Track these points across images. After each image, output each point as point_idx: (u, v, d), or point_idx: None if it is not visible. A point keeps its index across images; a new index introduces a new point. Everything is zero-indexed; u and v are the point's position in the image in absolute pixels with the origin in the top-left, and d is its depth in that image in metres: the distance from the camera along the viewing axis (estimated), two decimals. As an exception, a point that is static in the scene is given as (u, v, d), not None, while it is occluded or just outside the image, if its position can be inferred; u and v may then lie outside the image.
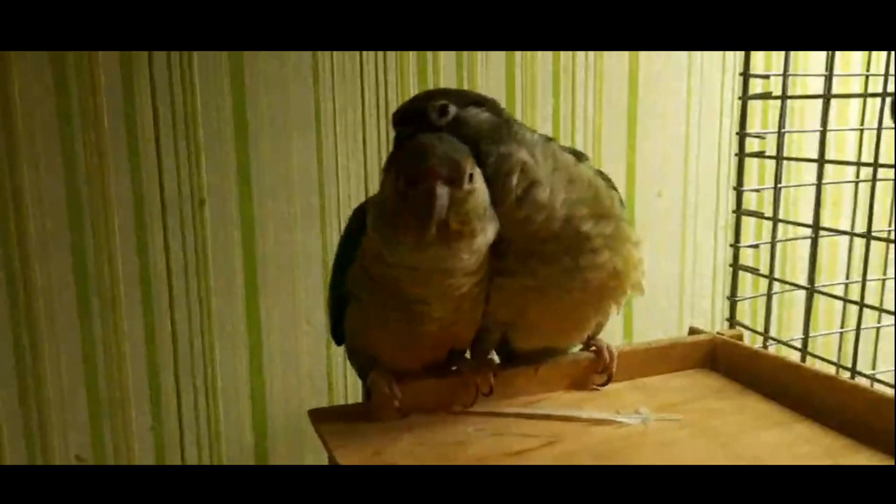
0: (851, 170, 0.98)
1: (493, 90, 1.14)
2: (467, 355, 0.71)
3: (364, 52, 1.07)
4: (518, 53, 1.15)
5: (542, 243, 0.63)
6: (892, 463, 0.59)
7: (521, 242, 0.63)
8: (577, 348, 0.75)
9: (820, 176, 0.74)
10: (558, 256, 0.63)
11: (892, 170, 0.65)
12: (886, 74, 0.68)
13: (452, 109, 0.62)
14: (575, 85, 1.19)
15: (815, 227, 0.76)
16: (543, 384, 0.72)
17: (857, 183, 0.66)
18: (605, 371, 0.73)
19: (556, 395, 0.72)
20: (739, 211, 0.81)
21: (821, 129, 0.73)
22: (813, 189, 0.78)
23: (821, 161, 0.73)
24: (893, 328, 0.74)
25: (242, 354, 1.08)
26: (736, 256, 0.82)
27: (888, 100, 0.72)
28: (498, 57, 1.15)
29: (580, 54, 1.19)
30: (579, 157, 0.68)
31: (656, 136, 1.25)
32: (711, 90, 1.26)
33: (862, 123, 0.64)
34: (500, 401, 0.70)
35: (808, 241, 0.78)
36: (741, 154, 0.80)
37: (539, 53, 1.16)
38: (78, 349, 1.00)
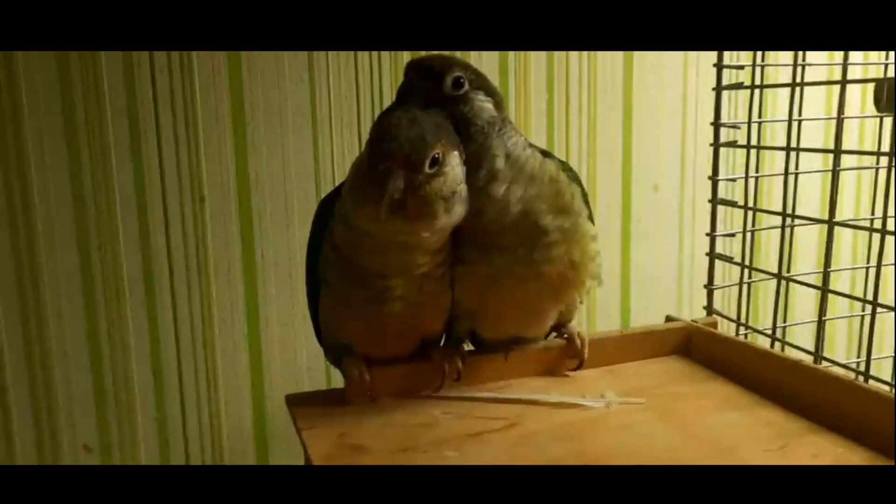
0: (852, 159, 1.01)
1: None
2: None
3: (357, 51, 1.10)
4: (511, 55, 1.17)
5: (498, 235, 0.65)
6: (849, 446, 0.60)
7: (476, 233, 0.65)
8: (550, 337, 0.77)
9: (787, 165, 0.75)
10: (513, 248, 0.65)
11: (855, 157, 0.66)
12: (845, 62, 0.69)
13: (465, 86, 0.64)
14: (569, 79, 1.21)
15: (784, 214, 0.77)
16: (514, 371, 0.74)
17: (834, 172, 0.67)
18: (577, 356, 0.75)
19: (526, 380, 0.74)
20: (715, 200, 0.82)
21: (788, 118, 0.74)
22: (791, 177, 0.79)
23: (788, 149, 0.74)
24: (869, 317, 0.74)
25: (242, 346, 1.11)
26: (712, 245, 0.83)
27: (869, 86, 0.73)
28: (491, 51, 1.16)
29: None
30: (546, 154, 0.69)
31: (652, 129, 1.26)
32: (707, 83, 1.27)
33: (840, 112, 0.65)
34: (471, 386, 0.72)
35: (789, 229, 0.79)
36: (716, 144, 0.81)
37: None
38: (84, 342, 1.04)
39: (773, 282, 0.81)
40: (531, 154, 0.66)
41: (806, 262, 1.35)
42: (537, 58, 1.19)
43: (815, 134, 1.26)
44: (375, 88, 1.12)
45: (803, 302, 1.20)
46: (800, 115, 0.78)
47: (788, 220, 0.77)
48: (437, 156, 0.59)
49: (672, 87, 1.26)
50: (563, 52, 1.19)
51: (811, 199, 1.32)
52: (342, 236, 0.65)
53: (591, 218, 0.70)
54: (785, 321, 0.81)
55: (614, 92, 1.24)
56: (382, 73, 1.12)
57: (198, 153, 1.05)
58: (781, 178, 0.76)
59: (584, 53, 1.21)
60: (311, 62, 1.08)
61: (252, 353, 1.11)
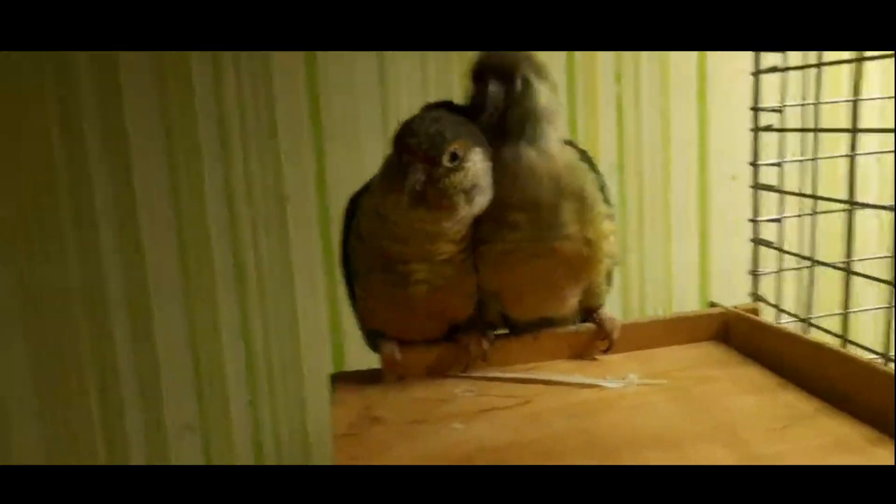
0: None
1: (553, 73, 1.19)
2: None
3: (428, 57, 1.16)
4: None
5: (508, 212, 0.69)
6: (856, 427, 0.59)
7: (490, 209, 0.69)
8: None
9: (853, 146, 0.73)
10: (524, 225, 0.69)
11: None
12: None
13: (532, 82, 0.69)
14: (639, 68, 1.21)
15: (814, 197, 0.75)
16: (544, 353, 0.77)
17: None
18: (606, 339, 0.76)
19: (554, 363, 0.76)
20: (756, 185, 0.81)
21: (813, 101, 0.72)
22: (844, 162, 0.77)
23: (816, 130, 0.73)
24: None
25: (325, 338, 1.19)
26: (756, 231, 0.82)
27: None
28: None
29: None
30: (568, 143, 0.72)
31: (728, 117, 1.24)
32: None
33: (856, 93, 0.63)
34: (498, 367, 0.75)
35: (839, 215, 0.77)
36: (755, 128, 0.80)
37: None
38: (183, 330, 1.16)
39: (832, 270, 0.79)
40: (559, 151, 0.70)
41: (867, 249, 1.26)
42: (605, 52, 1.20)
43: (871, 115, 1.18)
44: (445, 90, 1.17)
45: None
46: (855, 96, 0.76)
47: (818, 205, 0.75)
48: (456, 152, 0.64)
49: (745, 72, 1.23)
50: (632, 45, 1.20)
51: (869, 184, 1.24)
52: (367, 226, 0.71)
53: (607, 201, 0.72)
54: (811, 307, 0.79)
55: (687, 80, 1.22)
56: (451, 74, 1.17)
57: (279, 155, 1.14)
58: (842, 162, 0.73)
59: (653, 44, 1.20)
60: (382, 68, 1.15)
61: (333, 345, 1.19)
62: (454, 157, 0.65)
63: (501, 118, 0.69)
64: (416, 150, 0.64)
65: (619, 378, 0.71)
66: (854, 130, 0.69)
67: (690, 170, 1.25)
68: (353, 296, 0.77)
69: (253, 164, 1.14)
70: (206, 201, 1.13)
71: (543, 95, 0.70)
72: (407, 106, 1.15)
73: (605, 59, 1.20)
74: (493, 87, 0.68)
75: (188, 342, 1.16)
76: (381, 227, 0.70)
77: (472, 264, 0.72)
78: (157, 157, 1.11)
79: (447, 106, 0.70)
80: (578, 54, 1.19)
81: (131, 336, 1.14)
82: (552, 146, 0.70)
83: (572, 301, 0.76)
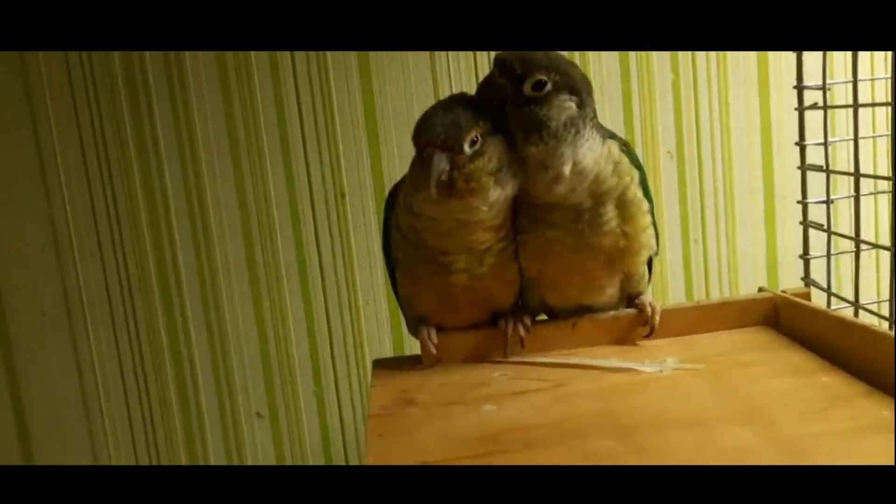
0: None
1: (606, 59, 1.18)
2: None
3: (478, 54, 1.18)
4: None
5: (549, 212, 0.70)
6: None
7: (529, 206, 0.70)
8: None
9: (857, 125, 0.70)
10: (564, 223, 0.70)
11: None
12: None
13: (547, 88, 0.66)
14: (695, 54, 1.19)
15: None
16: (584, 339, 0.77)
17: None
18: (647, 324, 0.76)
19: (594, 349, 0.76)
20: (804, 166, 0.79)
21: (853, 79, 0.70)
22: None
23: (855, 106, 0.70)
24: None
25: (385, 327, 1.23)
26: (805, 213, 0.80)
27: None
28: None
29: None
30: (613, 137, 0.72)
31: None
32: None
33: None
34: (538, 353, 0.76)
35: (887, 196, 0.74)
36: (800, 108, 0.78)
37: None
38: (252, 323, 1.21)
39: (887, 253, 0.76)
40: (599, 155, 0.69)
41: None
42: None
43: None
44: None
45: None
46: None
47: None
48: (475, 137, 0.66)
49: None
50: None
51: None
52: (406, 221, 0.73)
53: (647, 197, 0.72)
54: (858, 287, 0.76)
55: (747, 64, 1.19)
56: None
57: (337, 155, 1.18)
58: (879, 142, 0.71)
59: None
60: (434, 66, 1.18)
61: (394, 334, 1.22)
62: (474, 142, 0.66)
63: (530, 123, 0.66)
64: (436, 140, 0.65)
65: (656, 362, 0.71)
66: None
67: (753, 155, 1.22)
68: (395, 283, 0.80)
69: (312, 165, 1.18)
70: (270, 200, 1.18)
71: (559, 105, 0.67)
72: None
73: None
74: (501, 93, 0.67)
75: (257, 334, 1.21)
76: (416, 221, 0.72)
77: (514, 252, 0.74)
78: (225, 161, 1.17)
79: (461, 98, 0.71)
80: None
81: (205, 329, 1.20)
82: (593, 151, 0.68)
83: (610, 291, 0.76)
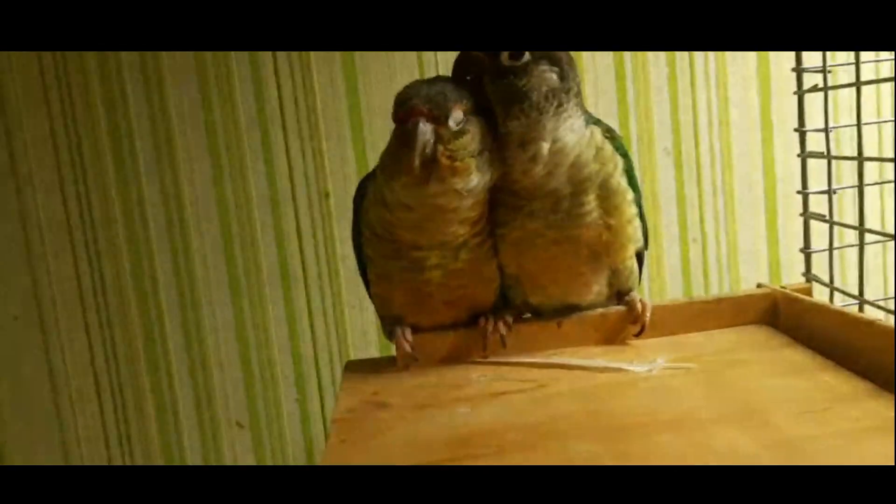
0: None
1: (600, 55, 1.14)
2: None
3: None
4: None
5: (528, 200, 0.66)
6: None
7: (507, 195, 0.66)
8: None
9: (859, 107, 0.65)
10: (544, 213, 0.66)
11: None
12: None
13: (526, 56, 0.63)
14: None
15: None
16: (571, 338, 0.72)
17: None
18: (638, 322, 0.71)
19: (582, 348, 0.72)
20: (804, 154, 0.74)
21: (854, 60, 0.65)
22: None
23: (857, 84, 0.65)
24: None
25: (371, 332, 1.18)
26: (805, 204, 0.75)
27: None
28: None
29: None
30: (597, 123, 0.68)
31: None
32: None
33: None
34: (523, 353, 0.71)
35: (889, 187, 0.69)
36: (799, 91, 0.73)
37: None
38: (232, 329, 1.17)
39: (892, 248, 0.71)
40: (581, 136, 0.65)
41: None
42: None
43: None
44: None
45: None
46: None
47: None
48: (460, 114, 0.61)
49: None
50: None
51: None
52: (376, 214, 0.68)
53: (632, 186, 0.68)
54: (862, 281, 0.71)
55: (745, 54, 1.15)
56: (492, 63, 1.14)
57: (321, 153, 1.14)
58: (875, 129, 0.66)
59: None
60: (421, 61, 1.13)
61: (380, 337, 1.18)
62: (458, 120, 0.62)
63: (510, 94, 0.63)
64: (421, 109, 0.61)
65: (645, 362, 0.66)
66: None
67: (753, 148, 1.17)
68: (367, 283, 0.75)
69: (295, 163, 1.14)
70: (251, 200, 1.14)
71: (541, 76, 0.63)
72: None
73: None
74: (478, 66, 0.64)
75: (237, 340, 1.17)
76: (388, 213, 0.67)
77: (492, 248, 0.69)
78: (202, 158, 1.13)
79: (443, 77, 0.67)
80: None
81: (183, 334, 1.16)
82: (575, 132, 0.64)
83: (597, 288, 0.71)
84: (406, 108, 0.61)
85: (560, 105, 0.64)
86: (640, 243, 0.71)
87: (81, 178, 1.11)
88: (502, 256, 0.69)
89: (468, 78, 0.65)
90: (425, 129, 0.60)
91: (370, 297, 0.76)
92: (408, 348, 0.70)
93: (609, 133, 0.68)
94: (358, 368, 0.73)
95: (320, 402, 1.19)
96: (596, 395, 0.61)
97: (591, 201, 0.66)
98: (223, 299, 1.16)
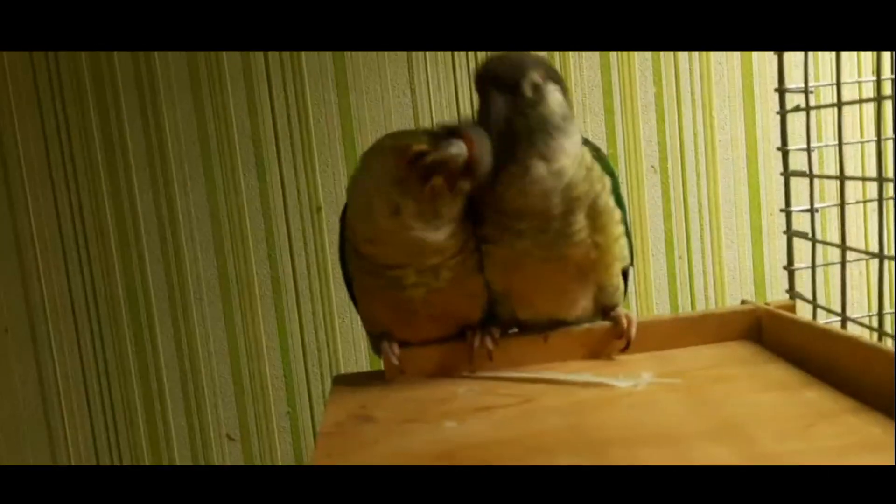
0: None
1: (587, 73, 1.16)
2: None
3: (456, 66, 1.15)
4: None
5: (517, 219, 0.67)
6: (889, 426, 0.53)
7: (497, 214, 0.67)
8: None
9: (840, 126, 0.67)
10: (533, 233, 0.67)
11: None
12: None
13: (541, 85, 0.64)
14: (678, 68, 1.16)
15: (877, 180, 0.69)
16: (557, 353, 0.73)
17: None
18: (623, 337, 0.72)
19: (568, 363, 0.72)
20: (786, 172, 0.75)
21: (836, 81, 0.67)
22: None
23: (839, 105, 0.67)
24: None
25: (361, 346, 1.19)
26: (788, 222, 0.76)
27: None
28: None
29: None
30: (585, 143, 0.69)
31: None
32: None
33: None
34: (509, 367, 0.72)
35: (871, 206, 0.71)
36: (782, 111, 0.74)
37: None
38: (224, 342, 1.17)
39: (875, 265, 0.73)
40: (575, 157, 0.66)
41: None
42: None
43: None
44: (475, 100, 1.15)
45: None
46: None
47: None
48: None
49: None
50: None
51: None
52: (352, 230, 0.70)
53: (619, 204, 0.69)
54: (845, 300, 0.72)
55: (730, 75, 1.17)
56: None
57: (313, 167, 1.15)
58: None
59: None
60: (412, 78, 1.15)
61: (370, 351, 1.18)
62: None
63: (510, 126, 0.64)
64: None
65: (630, 377, 0.67)
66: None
67: (738, 166, 1.19)
68: (354, 299, 0.76)
69: (287, 177, 1.15)
70: (244, 213, 1.15)
71: (554, 100, 0.65)
72: (437, 117, 1.14)
73: (641, 58, 1.16)
74: (497, 102, 0.64)
75: (228, 352, 1.17)
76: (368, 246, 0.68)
77: (476, 264, 0.70)
78: (196, 172, 1.14)
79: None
80: (613, 54, 1.15)
81: (174, 346, 1.16)
82: (565, 155, 0.65)
83: (584, 303, 0.72)
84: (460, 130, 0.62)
85: (569, 119, 0.66)
86: (627, 261, 0.72)
87: (74, 192, 1.12)
88: (489, 273, 0.70)
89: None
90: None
91: (358, 313, 0.77)
92: (395, 361, 0.71)
93: (596, 153, 0.69)
94: (346, 382, 0.74)
95: (311, 415, 1.19)
96: (582, 410, 0.61)
97: (580, 221, 0.67)
98: (215, 312, 1.16)
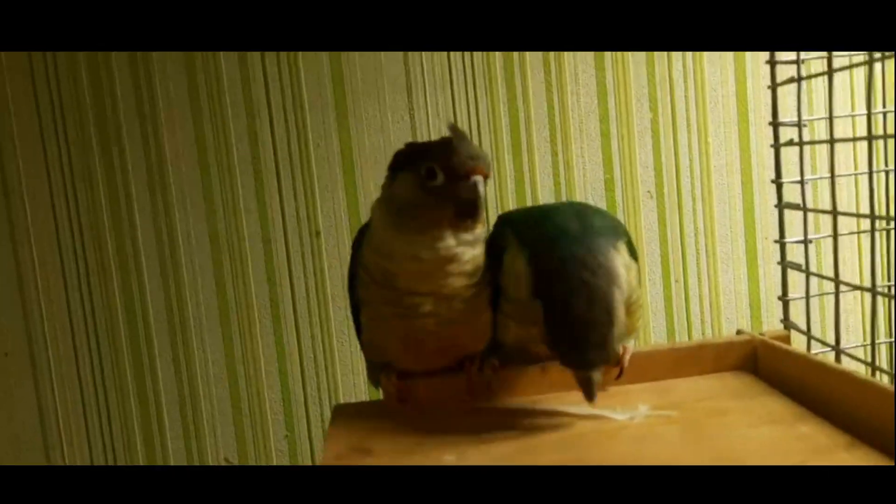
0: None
1: (584, 98, 1.17)
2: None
3: (454, 90, 1.16)
4: (608, 60, 1.17)
5: None
6: (888, 461, 0.54)
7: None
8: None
9: (833, 162, 0.68)
10: None
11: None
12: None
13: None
14: (674, 94, 1.18)
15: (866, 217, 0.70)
16: (554, 384, 0.74)
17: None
18: (617, 365, 0.73)
19: (564, 394, 0.73)
20: (781, 204, 0.76)
21: (828, 115, 0.68)
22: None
23: (831, 141, 0.68)
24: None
25: (360, 370, 1.19)
26: (783, 253, 0.77)
27: None
28: (587, 62, 1.17)
29: (677, 64, 1.17)
30: (617, 233, 0.68)
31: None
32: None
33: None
34: (507, 398, 0.73)
35: (866, 235, 0.72)
36: (776, 144, 0.75)
37: (631, 62, 1.17)
38: (223, 365, 1.18)
39: (868, 295, 0.73)
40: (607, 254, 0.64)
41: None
42: (637, 74, 1.17)
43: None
44: (473, 123, 1.17)
45: None
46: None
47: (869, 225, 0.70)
48: None
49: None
50: (666, 66, 1.17)
51: None
52: (374, 263, 0.70)
53: (641, 285, 0.70)
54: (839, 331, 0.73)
55: (726, 102, 1.18)
56: (479, 109, 1.16)
57: (313, 193, 1.16)
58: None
59: (689, 66, 1.17)
60: (411, 103, 1.16)
61: (368, 376, 1.19)
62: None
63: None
64: (485, 169, 0.65)
65: (627, 409, 0.68)
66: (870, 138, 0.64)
67: (734, 193, 1.20)
68: (358, 328, 0.76)
69: (287, 201, 1.16)
70: (243, 237, 1.16)
71: None
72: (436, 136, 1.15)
73: (638, 84, 1.17)
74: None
75: (227, 376, 1.18)
76: (390, 264, 0.68)
77: (487, 300, 0.71)
78: (196, 196, 1.15)
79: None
80: (609, 80, 1.17)
81: (173, 370, 1.17)
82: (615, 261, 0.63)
83: None
84: (473, 165, 0.64)
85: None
86: (634, 335, 0.72)
87: (75, 217, 1.12)
88: (503, 336, 0.71)
89: None
90: (482, 189, 0.65)
91: (360, 342, 0.78)
92: (394, 390, 0.71)
93: (627, 241, 0.68)
94: (345, 413, 0.74)
95: (309, 439, 1.19)
96: (580, 444, 0.62)
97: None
98: (214, 336, 1.17)
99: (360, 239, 0.73)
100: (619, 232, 0.68)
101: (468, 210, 0.65)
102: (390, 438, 0.67)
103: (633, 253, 0.69)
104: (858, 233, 0.74)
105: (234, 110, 1.14)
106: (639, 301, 0.69)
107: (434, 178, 0.65)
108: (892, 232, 0.69)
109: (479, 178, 0.64)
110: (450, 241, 0.66)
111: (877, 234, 0.69)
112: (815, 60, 0.77)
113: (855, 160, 1.09)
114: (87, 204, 1.13)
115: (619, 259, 0.63)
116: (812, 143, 0.71)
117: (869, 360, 0.71)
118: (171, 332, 1.16)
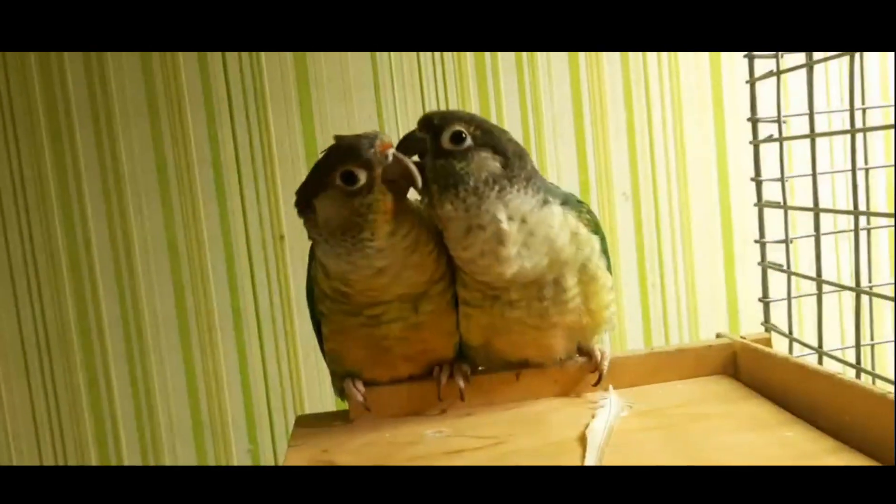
0: None
1: (558, 98, 1.14)
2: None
3: (425, 91, 1.13)
4: (582, 59, 1.14)
5: (507, 290, 0.64)
6: (874, 466, 0.51)
7: (483, 285, 0.65)
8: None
9: (814, 157, 0.65)
10: (527, 302, 0.65)
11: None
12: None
13: (467, 142, 0.62)
14: (650, 94, 1.15)
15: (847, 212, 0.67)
16: (528, 391, 0.70)
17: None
18: (596, 370, 0.70)
19: (539, 401, 0.70)
20: (760, 203, 0.74)
21: (809, 111, 0.65)
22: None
23: (812, 136, 0.65)
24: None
25: (326, 380, 1.14)
26: (763, 253, 0.75)
27: None
28: (561, 62, 1.14)
29: (652, 62, 1.15)
30: (565, 201, 0.66)
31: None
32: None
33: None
34: (480, 406, 0.69)
35: (848, 234, 0.69)
36: (755, 141, 0.73)
37: (605, 61, 1.14)
38: (182, 376, 1.12)
39: (850, 295, 0.71)
40: (547, 213, 0.63)
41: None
42: (611, 73, 1.14)
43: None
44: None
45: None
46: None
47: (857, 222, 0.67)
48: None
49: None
50: (641, 65, 1.14)
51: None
52: (328, 286, 0.66)
53: (609, 269, 0.68)
54: (821, 334, 0.70)
55: (702, 99, 1.16)
56: (448, 91, 1.13)
57: (276, 195, 1.12)
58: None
59: (664, 64, 1.15)
60: (379, 102, 1.12)
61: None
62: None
63: (449, 169, 0.62)
64: (386, 140, 0.62)
65: (606, 415, 0.64)
66: (854, 131, 0.61)
67: (711, 193, 1.18)
68: (320, 338, 0.72)
69: (249, 205, 1.12)
70: (203, 243, 1.11)
71: (494, 163, 0.63)
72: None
73: (612, 84, 1.15)
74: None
75: (186, 388, 1.13)
76: (343, 286, 0.65)
77: (452, 299, 0.67)
78: (153, 200, 1.10)
79: None
80: (584, 80, 1.14)
81: (129, 383, 1.12)
82: (552, 215, 0.63)
83: (562, 354, 0.70)
84: (380, 146, 0.62)
85: (503, 189, 0.62)
86: (613, 327, 0.71)
87: (25, 221, 1.07)
88: (467, 331, 0.68)
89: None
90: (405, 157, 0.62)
91: (322, 352, 0.74)
92: (360, 398, 0.68)
93: (582, 211, 0.66)
94: (308, 424, 0.70)
95: (273, 453, 1.15)
96: (557, 453, 0.58)
97: (573, 286, 0.65)
98: (172, 346, 1.12)
99: (311, 263, 0.70)
100: (571, 201, 0.66)
101: (408, 184, 0.62)
102: (355, 450, 0.63)
103: (594, 226, 0.67)
104: (840, 232, 0.72)
105: (193, 109, 1.09)
106: (603, 280, 0.67)
107: (355, 180, 0.61)
108: (889, 231, 0.67)
109: (393, 151, 0.62)
110: (403, 229, 0.62)
111: (860, 232, 0.66)
112: (792, 54, 0.75)
113: (831, 153, 1.07)
114: (38, 209, 1.07)
115: (554, 210, 0.63)
116: (792, 138, 0.68)
117: (853, 361, 0.68)
118: (126, 342, 1.11)
